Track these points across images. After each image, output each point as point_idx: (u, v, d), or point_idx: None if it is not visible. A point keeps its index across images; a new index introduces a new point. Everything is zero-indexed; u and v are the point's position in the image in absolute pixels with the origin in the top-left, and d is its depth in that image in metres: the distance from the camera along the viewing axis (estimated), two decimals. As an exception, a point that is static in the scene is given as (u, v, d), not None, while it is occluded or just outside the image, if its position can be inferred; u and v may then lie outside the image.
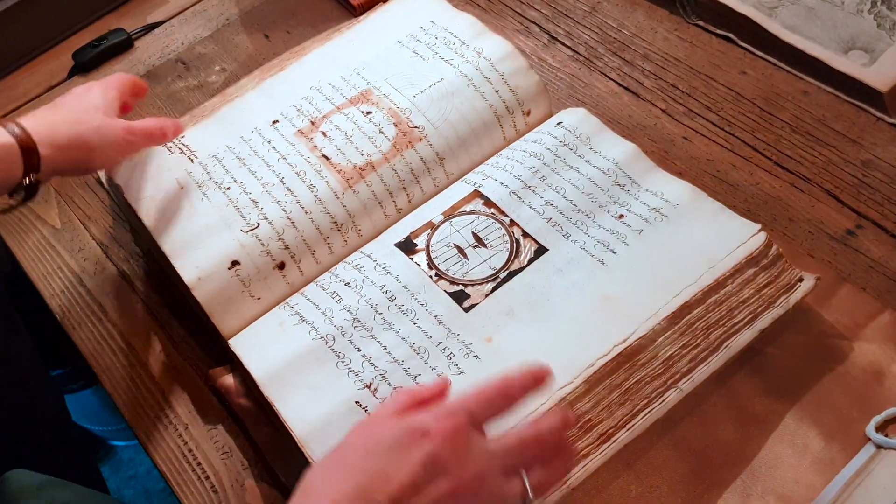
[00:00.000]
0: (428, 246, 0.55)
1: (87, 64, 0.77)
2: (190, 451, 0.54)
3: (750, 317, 0.51)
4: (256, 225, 0.57)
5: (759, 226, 0.53)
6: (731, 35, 0.70)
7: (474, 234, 0.56)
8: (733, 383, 0.52)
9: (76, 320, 0.61)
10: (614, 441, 0.48)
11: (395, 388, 0.49)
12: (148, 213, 0.59)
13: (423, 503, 0.36)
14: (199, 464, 0.53)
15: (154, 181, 0.60)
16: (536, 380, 0.41)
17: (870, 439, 0.49)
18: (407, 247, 0.56)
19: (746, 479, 0.49)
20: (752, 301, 0.51)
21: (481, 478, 0.37)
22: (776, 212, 0.60)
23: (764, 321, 0.51)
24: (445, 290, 0.53)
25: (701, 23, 0.72)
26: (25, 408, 0.84)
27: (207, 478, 0.53)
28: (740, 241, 0.53)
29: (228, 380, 0.54)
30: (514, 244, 0.55)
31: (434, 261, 0.55)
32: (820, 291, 0.54)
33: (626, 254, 0.53)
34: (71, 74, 0.78)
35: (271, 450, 0.52)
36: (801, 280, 0.53)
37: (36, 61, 0.80)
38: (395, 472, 0.36)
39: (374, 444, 0.38)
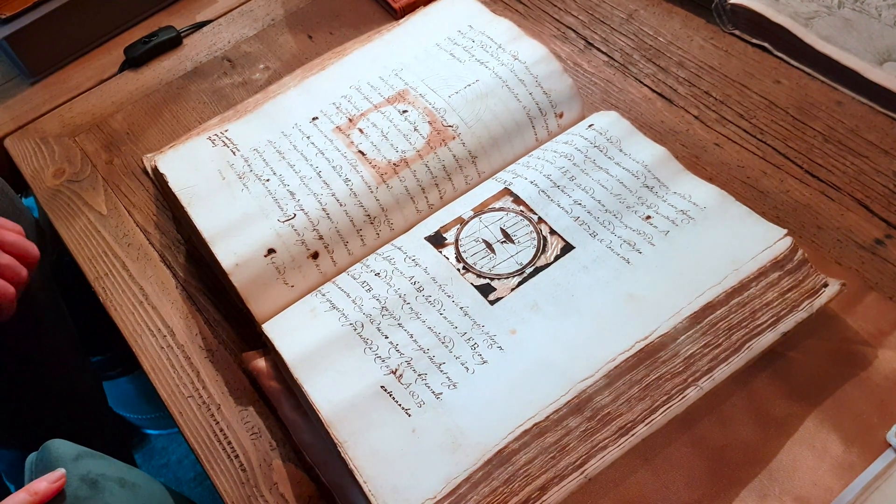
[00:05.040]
0: (457, 240, 0.57)
1: (137, 59, 0.80)
2: (221, 430, 0.56)
3: (773, 319, 0.52)
4: (293, 215, 0.58)
5: (785, 230, 0.54)
6: (766, 45, 0.71)
7: (503, 231, 0.57)
8: (754, 385, 0.53)
9: (118, 303, 0.63)
10: (633, 435, 0.48)
11: (419, 375, 0.50)
12: (190, 202, 0.61)
13: None
14: (229, 443, 0.55)
15: (197, 172, 0.63)
16: None
17: (890, 445, 0.49)
18: (436, 240, 0.57)
19: (764, 480, 0.49)
20: (775, 304, 0.52)
21: None
22: (805, 219, 0.60)
23: (787, 324, 0.51)
24: (472, 283, 0.54)
25: (737, 32, 0.73)
26: (66, 390, 0.87)
27: (237, 456, 0.54)
28: (766, 245, 0.53)
29: (261, 363, 0.56)
30: (542, 241, 0.56)
31: (462, 254, 0.56)
32: (846, 298, 0.55)
33: (651, 254, 0.54)
34: (122, 69, 0.81)
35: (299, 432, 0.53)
36: (825, 285, 0.53)
37: (88, 56, 0.83)
38: None
39: None
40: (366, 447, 0.48)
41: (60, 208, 0.70)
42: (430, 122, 0.62)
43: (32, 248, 0.63)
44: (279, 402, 0.55)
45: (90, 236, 0.68)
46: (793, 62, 0.70)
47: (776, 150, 0.64)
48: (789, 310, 0.52)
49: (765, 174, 0.63)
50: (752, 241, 0.54)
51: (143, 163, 0.71)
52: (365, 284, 0.55)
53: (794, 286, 0.52)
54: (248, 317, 0.57)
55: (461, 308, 0.53)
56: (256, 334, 0.58)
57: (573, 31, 0.76)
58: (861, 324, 0.54)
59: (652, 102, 0.69)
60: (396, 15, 0.79)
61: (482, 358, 0.51)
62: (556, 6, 0.78)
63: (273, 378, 0.55)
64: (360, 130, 0.63)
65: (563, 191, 0.58)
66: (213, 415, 0.57)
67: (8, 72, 0.83)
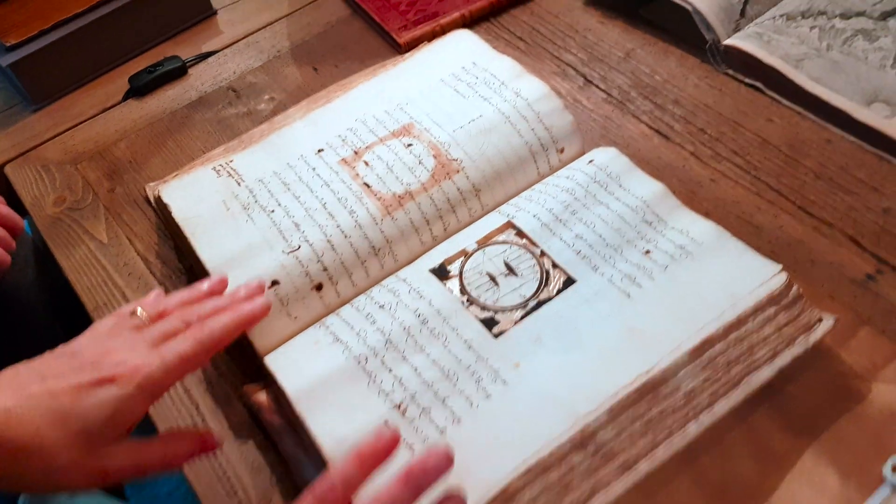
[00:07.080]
0: (461, 273, 0.58)
1: (141, 88, 0.81)
2: (220, 465, 0.55)
3: (770, 354, 0.53)
4: (297, 247, 0.59)
5: (780, 266, 0.55)
6: (758, 84, 0.73)
7: (506, 263, 0.58)
8: (753, 420, 0.53)
9: (120, 331, 0.63)
10: (635, 471, 0.49)
11: (423, 410, 0.51)
12: (193, 232, 0.61)
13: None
14: (228, 478, 0.54)
15: (201, 202, 0.63)
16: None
17: (886, 479, 0.50)
18: (441, 273, 0.58)
19: (764, 515, 0.50)
20: (772, 339, 0.53)
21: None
22: (798, 254, 0.61)
23: (783, 359, 0.53)
24: (476, 316, 0.55)
25: (730, 72, 0.75)
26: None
27: (236, 493, 0.53)
28: (762, 280, 0.54)
29: (262, 396, 0.56)
30: (544, 274, 0.57)
31: (466, 287, 0.57)
32: (839, 333, 0.56)
33: (651, 288, 0.55)
34: (126, 98, 0.81)
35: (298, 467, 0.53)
36: (820, 320, 0.54)
37: (93, 84, 0.84)
38: None
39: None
40: (369, 485, 0.48)
41: (60, 236, 0.70)
42: (434, 156, 0.63)
43: (19, 219, 0.68)
44: (280, 436, 0.54)
45: (90, 265, 0.68)
46: (784, 101, 0.71)
47: (769, 185, 0.66)
48: (786, 345, 0.53)
49: (759, 210, 0.65)
50: (749, 276, 0.55)
51: (145, 191, 0.72)
52: (369, 317, 0.56)
53: (789, 321, 0.54)
54: (249, 349, 0.57)
55: (465, 341, 0.54)
56: (257, 367, 0.58)
57: (573, 68, 0.78)
58: (855, 358, 0.55)
59: (649, 139, 0.71)
60: (401, 50, 0.80)
61: (486, 392, 0.51)
62: (555, 44, 0.80)
63: (274, 412, 0.55)
64: (366, 163, 0.64)
65: (564, 224, 0.59)
66: (213, 447, 0.56)
67: (9, 98, 0.84)
